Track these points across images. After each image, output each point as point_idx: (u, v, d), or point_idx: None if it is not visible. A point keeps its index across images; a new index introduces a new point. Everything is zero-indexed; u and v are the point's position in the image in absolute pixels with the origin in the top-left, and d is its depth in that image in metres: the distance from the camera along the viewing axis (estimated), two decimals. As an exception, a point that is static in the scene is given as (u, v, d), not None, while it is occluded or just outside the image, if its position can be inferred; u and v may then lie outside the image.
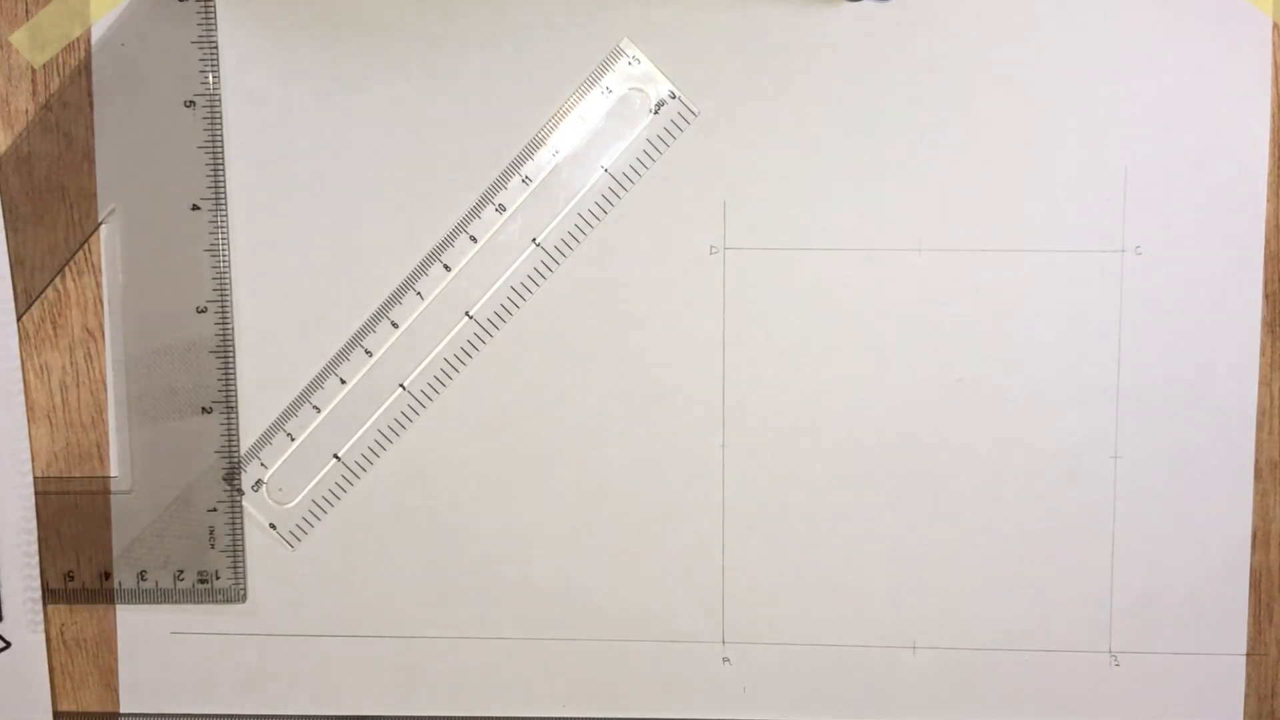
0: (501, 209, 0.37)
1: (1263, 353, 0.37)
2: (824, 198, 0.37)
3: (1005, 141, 0.36)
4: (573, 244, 0.37)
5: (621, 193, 0.37)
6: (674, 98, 0.36)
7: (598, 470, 0.38)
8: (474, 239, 0.37)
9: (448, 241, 0.37)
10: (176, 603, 0.39)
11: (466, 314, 0.37)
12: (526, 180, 0.37)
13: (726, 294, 0.37)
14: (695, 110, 0.37)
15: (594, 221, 0.37)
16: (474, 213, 0.37)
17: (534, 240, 0.37)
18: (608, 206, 0.37)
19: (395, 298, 0.37)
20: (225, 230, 0.38)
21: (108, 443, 0.38)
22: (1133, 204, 0.36)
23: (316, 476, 0.38)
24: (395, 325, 0.38)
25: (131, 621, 0.39)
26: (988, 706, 0.38)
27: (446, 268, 0.37)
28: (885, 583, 0.38)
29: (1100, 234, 0.36)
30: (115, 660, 0.39)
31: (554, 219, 0.37)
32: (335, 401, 0.38)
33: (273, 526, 0.38)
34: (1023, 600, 0.37)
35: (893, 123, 0.37)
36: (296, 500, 0.38)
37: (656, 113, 0.37)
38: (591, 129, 0.37)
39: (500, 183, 0.37)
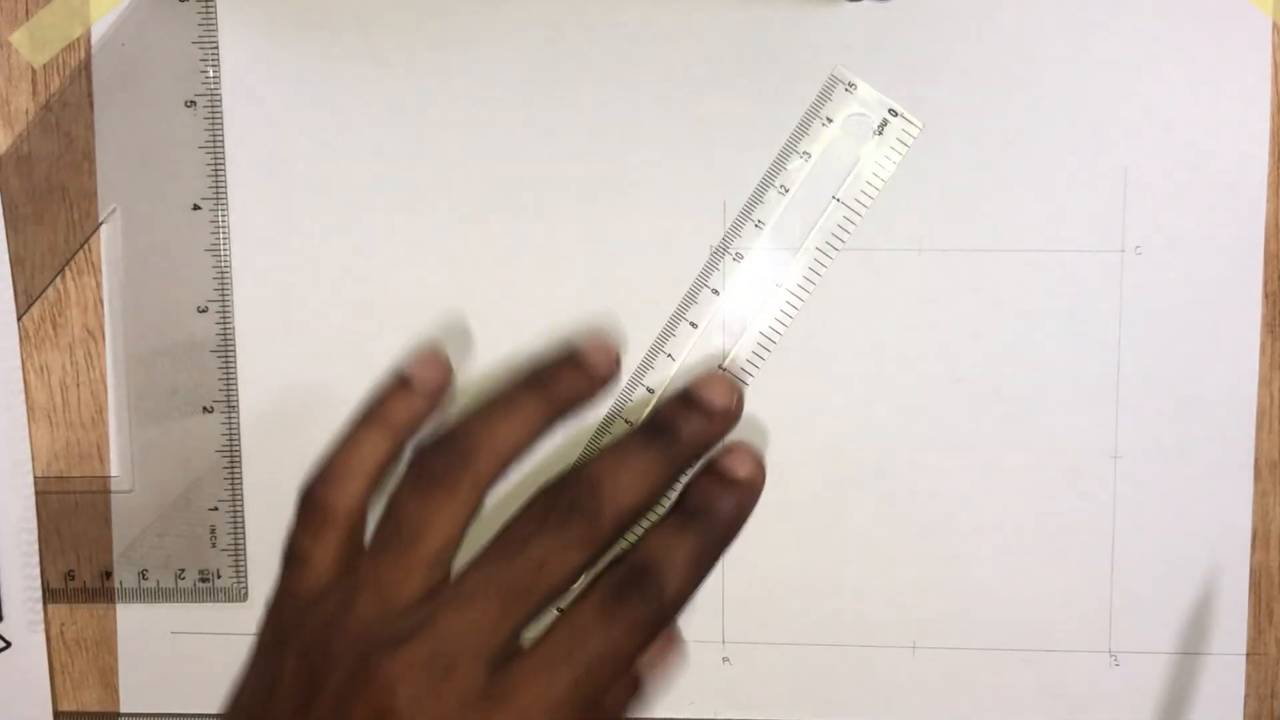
0: (739, 257, 0.37)
1: (1263, 353, 0.37)
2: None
3: (1005, 141, 0.36)
4: (815, 279, 0.37)
5: (857, 220, 0.37)
6: (895, 115, 0.36)
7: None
8: (716, 292, 0.37)
9: (690, 298, 0.37)
10: (178, 602, 0.39)
11: (720, 367, 0.37)
12: (759, 224, 0.37)
13: (726, 294, 0.37)
14: (918, 124, 0.36)
15: (832, 254, 0.37)
16: (711, 265, 0.37)
17: (777, 284, 0.37)
18: (845, 236, 0.37)
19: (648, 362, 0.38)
20: (226, 230, 0.38)
21: (108, 442, 0.38)
22: (1133, 204, 0.36)
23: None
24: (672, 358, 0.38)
25: (132, 621, 0.39)
26: (988, 706, 0.38)
27: (693, 325, 0.37)
28: (885, 583, 0.38)
29: (1100, 234, 0.36)
30: (115, 660, 0.39)
31: (792, 257, 0.37)
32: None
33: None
34: (1022, 600, 0.37)
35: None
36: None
37: (880, 133, 0.36)
38: (815, 162, 0.37)
39: (735, 230, 0.37)
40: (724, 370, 0.35)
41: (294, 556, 0.33)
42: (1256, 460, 0.37)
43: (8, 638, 0.39)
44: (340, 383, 0.38)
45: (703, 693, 0.38)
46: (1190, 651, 0.37)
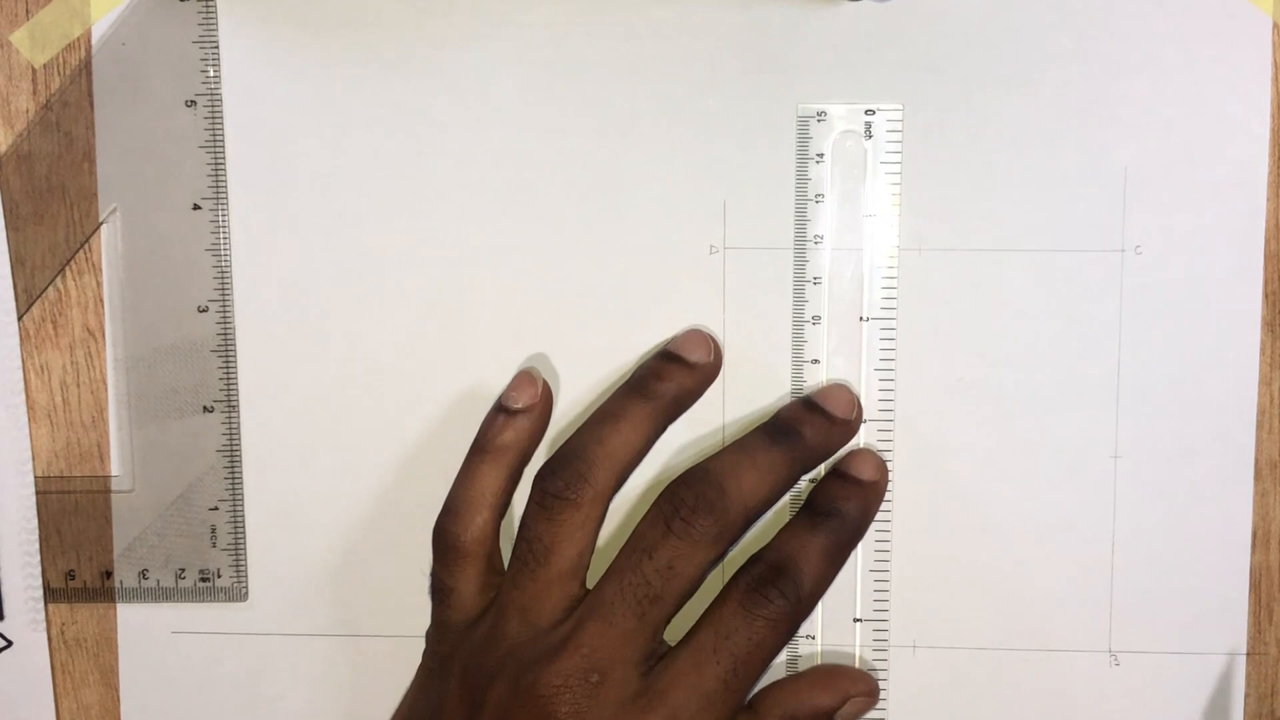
0: (817, 319, 0.37)
1: (1263, 353, 0.37)
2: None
3: (1005, 141, 0.36)
4: (893, 303, 0.37)
5: (897, 222, 0.37)
6: (872, 112, 0.36)
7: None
8: (816, 361, 0.37)
9: (798, 373, 0.37)
10: (178, 602, 0.39)
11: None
12: (817, 281, 0.37)
13: (726, 294, 0.37)
14: (898, 105, 0.36)
15: (895, 268, 0.37)
16: (799, 337, 0.37)
17: (862, 317, 0.37)
18: (896, 239, 0.37)
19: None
20: (226, 230, 0.38)
21: (108, 442, 0.39)
22: (1133, 204, 0.36)
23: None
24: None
25: (132, 621, 0.39)
26: (988, 706, 0.38)
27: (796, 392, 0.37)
28: (885, 582, 0.38)
29: (1100, 234, 0.36)
30: (115, 660, 0.39)
31: (864, 291, 0.37)
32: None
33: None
34: (1023, 600, 0.37)
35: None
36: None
37: (871, 136, 0.36)
38: (832, 198, 0.37)
39: (800, 296, 0.37)
40: (847, 385, 0.37)
41: (438, 592, 0.35)
42: (1256, 460, 0.37)
43: (9, 636, 0.39)
44: (340, 383, 0.38)
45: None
46: (1190, 651, 0.37)
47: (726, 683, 0.32)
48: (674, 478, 0.34)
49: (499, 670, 0.32)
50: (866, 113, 0.36)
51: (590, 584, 0.34)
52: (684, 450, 0.38)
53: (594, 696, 0.32)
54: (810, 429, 0.35)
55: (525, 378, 0.36)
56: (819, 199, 0.37)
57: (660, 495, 0.34)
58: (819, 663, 0.37)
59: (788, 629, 0.33)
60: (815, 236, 0.37)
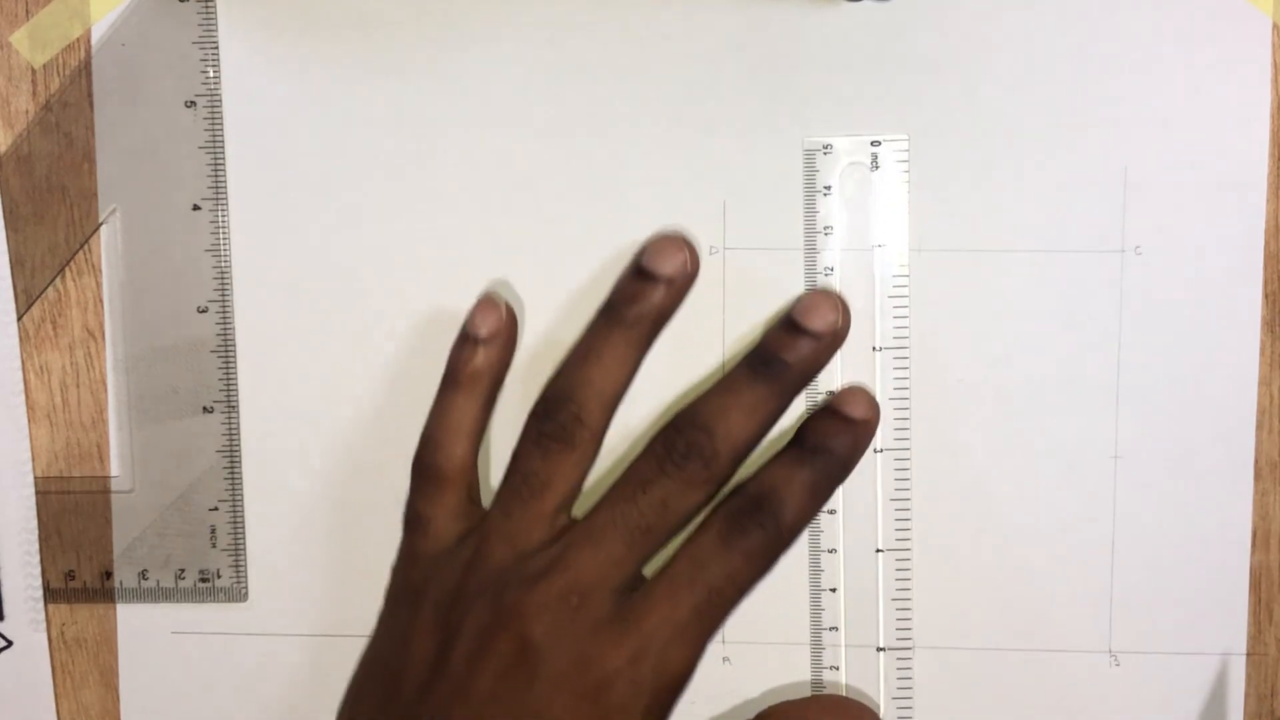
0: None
1: (1263, 353, 0.37)
2: (824, 198, 0.37)
3: (1005, 141, 0.36)
4: (905, 333, 0.37)
5: (904, 253, 0.37)
6: (878, 144, 0.36)
7: (597, 471, 0.38)
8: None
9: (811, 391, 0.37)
10: (178, 602, 0.39)
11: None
12: None
13: (726, 294, 0.37)
14: (904, 137, 0.36)
15: (907, 299, 0.37)
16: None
17: (874, 348, 0.37)
18: (909, 276, 0.37)
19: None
20: (226, 230, 0.38)
21: (108, 442, 0.39)
22: (1133, 204, 0.36)
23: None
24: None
25: (132, 621, 0.39)
26: (988, 706, 0.38)
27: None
28: (885, 583, 0.38)
29: (1100, 234, 0.36)
30: (115, 660, 0.39)
31: (876, 321, 0.37)
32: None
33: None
34: (1022, 600, 0.37)
35: (892, 123, 0.37)
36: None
37: (878, 167, 0.36)
38: (841, 229, 0.37)
39: None
40: (826, 290, 0.36)
41: (415, 522, 0.35)
42: (1256, 460, 0.37)
43: (9, 636, 0.39)
44: (340, 383, 0.38)
45: (704, 693, 0.38)
46: (1190, 651, 0.37)
47: (699, 612, 0.32)
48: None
49: (480, 592, 0.33)
50: (872, 144, 0.36)
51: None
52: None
53: (571, 619, 0.32)
54: (793, 354, 0.34)
55: (488, 304, 0.36)
56: (828, 231, 0.37)
57: (653, 439, 0.34)
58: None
59: (764, 562, 0.33)
60: (826, 268, 0.37)
